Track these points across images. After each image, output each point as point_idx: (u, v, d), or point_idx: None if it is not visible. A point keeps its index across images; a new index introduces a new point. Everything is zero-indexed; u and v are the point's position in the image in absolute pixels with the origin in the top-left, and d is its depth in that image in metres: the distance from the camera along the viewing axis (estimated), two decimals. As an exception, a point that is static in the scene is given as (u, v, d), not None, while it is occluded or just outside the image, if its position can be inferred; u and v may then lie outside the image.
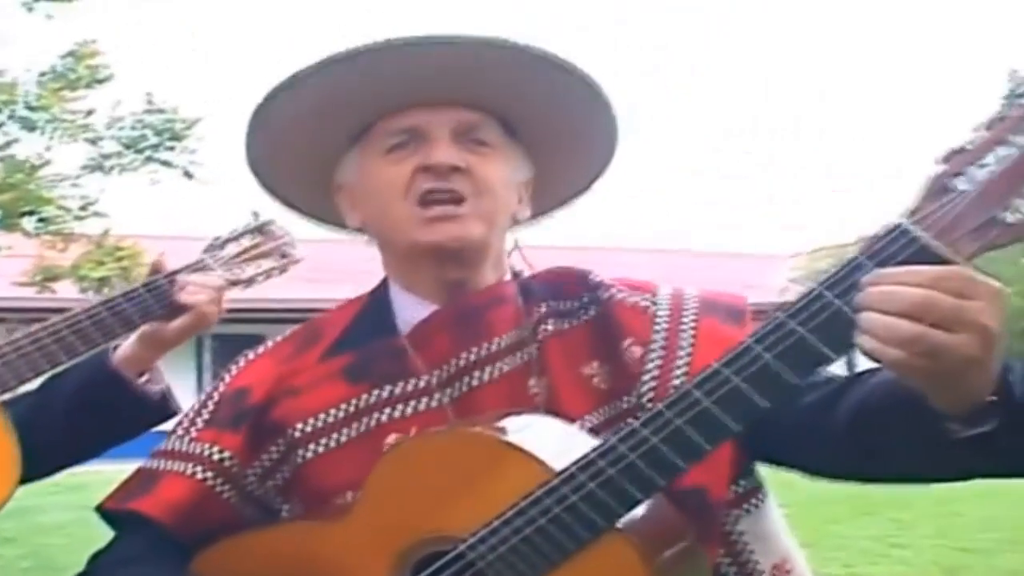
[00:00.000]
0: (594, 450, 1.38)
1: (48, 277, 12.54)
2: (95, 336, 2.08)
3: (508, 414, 1.56)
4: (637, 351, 1.65)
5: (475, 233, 1.66)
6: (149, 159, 12.56)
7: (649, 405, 1.56)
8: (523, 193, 1.79)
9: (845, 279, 1.27)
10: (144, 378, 2.14)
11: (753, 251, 29.59)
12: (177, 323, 2.13)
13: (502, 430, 1.50)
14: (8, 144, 12.15)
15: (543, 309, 1.72)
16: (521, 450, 1.44)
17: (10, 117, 12.00)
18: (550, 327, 1.70)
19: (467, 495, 1.46)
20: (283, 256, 2.35)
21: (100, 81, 12.34)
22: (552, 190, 1.88)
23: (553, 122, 1.78)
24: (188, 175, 12.68)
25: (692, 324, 1.67)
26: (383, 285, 1.80)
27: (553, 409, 1.61)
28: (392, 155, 1.70)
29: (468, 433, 1.54)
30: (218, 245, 2.29)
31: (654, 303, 1.71)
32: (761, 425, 1.34)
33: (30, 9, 12.06)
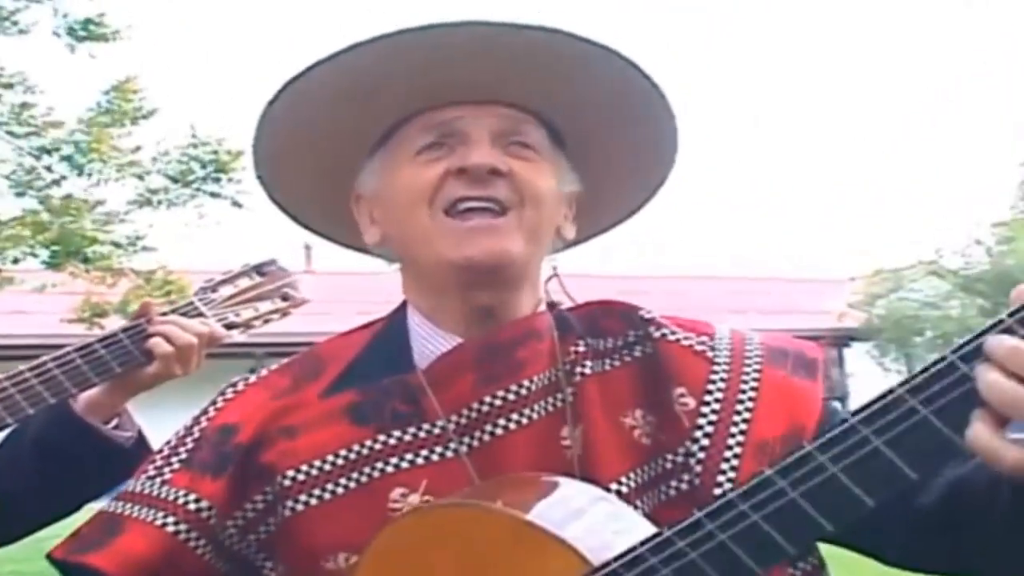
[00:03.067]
0: (645, 543, 1.16)
1: (97, 313, 12.50)
2: (66, 385, 1.92)
3: (540, 481, 1.35)
4: (690, 403, 1.42)
5: (516, 249, 1.45)
6: (196, 192, 12.47)
7: (698, 467, 1.36)
8: (570, 209, 1.58)
9: (933, 382, 1.06)
10: (112, 423, 1.98)
11: (810, 276, 29.25)
12: (149, 370, 1.99)
13: (531, 507, 1.26)
14: (56, 183, 12.12)
15: (580, 347, 1.49)
16: (554, 537, 1.19)
17: (57, 156, 11.96)
18: (588, 369, 1.47)
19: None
20: (284, 299, 2.19)
21: (144, 116, 12.29)
22: (601, 209, 1.66)
23: (610, 130, 1.58)
24: (236, 204, 12.60)
25: (755, 375, 1.44)
26: (401, 310, 1.57)
27: (587, 464, 1.40)
28: (421, 157, 1.49)
29: (491, 510, 1.27)
30: (210, 287, 2.14)
31: (712, 347, 1.47)
32: None
33: (73, 50, 12.07)
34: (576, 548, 1.17)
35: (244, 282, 2.17)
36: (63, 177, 12.12)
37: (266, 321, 2.18)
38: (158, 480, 1.50)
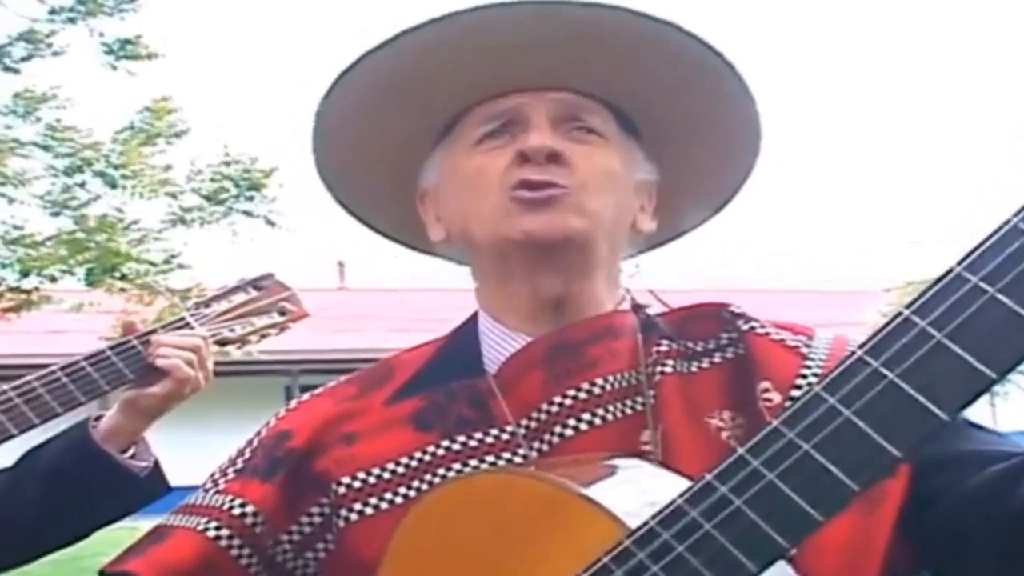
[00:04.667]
0: (683, 495, 1.03)
1: (133, 332, 12.54)
2: (51, 405, 1.88)
3: (597, 457, 1.27)
4: (775, 398, 1.30)
5: (577, 224, 1.36)
6: (230, 210, 12.51)
7: None
8: (647, 199, 1.49)
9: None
10: (130, 452, 1.94)
11: (843, 287, 29.05)
12: (155, 389, 1.94)
13: (571, 474, 1.18)
14: (91, 202, 12.19)
15: (663, 347, 1.38)
16: (588, 500, 1.10)
17: (91, 174, 12.04)
18: (668, 368, 1.36)
19: (513, 558, 1.13)
20: (282, 313, 2.14)
21: (178, 135, 12.36)
22: (682, 203, 1.55)
23: (681, 114, 1.49)
24: (270, 223, 12.62)
25: None
26: (472, 318, 1.50)
27: (669, 468, 1.26)
28: (483, 146, 1.43)
29: (520, 477, 1.22)
30: (203, 302, 2.11)
31: (807, 345, 1.36)
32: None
33: (113, 68, 12.14)
34: (611, 511, 1.09)
35: (239, 297, 2.13)
36: (98, 196, 12.18)
37: (263, 336, 2.14)
38: (212, 490, 1.45)
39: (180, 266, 12.34)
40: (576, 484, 1.13)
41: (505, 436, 1.35)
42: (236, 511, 1.40)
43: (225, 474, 1.46)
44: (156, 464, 1.98)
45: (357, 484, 1.36)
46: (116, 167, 11.97)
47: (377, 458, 1.37)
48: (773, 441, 1.00)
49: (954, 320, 0.95)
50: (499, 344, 1.43)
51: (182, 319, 2.06)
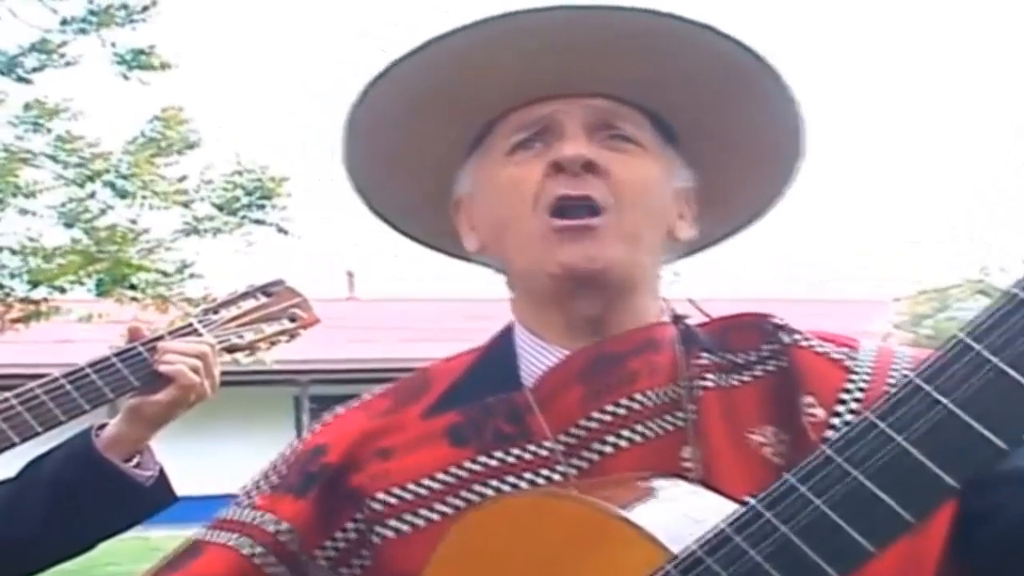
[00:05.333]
0: (728, 521, 1.01)
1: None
2: (54, 413, 1.85)
3: (637, 477, 1.23)
4: (819, 413, 1.25)
5: (615, 254, 1.32)
6: (242, 220, 12.52)
7: None
8: (684, 206, 1.44)
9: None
10: (134, 461, 1.91)
11: (853, 296, 28.98)
12: (160, 397, 1.90)
13: (612, 496, 1.14)
14: (102, 212, 12.20)
15: (703, 360, 1.33)
16: (629, 523, 1.07)
17: (102, 185, 12.06)
18: (709, 383, 1.31)
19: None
20: (292, 320, 2.10)
21: (190, 146, 12.36)
22: (722, 209, 1.50)
23: (719, 118, 1.44)
24: (282, 231, 12.63)
25: None
26: (508, 328, 1.45)
27: (709, 487, 1.22)
28: (515, 155, 1.38)
29: (560, 499, 1.18)
30: (212, 308, 2.08)
31: (851, 357, 1.31)
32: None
33: (126, 77, 12.16)
34: (653, 535, 1.05)
35: (248, 303, 2.09)
36: (109, 207, 12.19)
37: (273, 343, 2.11)
38: (246, 504, 1.41)
39: (192, 276, 12.35)
40: (616, 506, 1.09)
41: (543, 452, 1.31)
42: (270, 527, 1.37)
43: (259, 488, 1.43)
44: (162, 473, 1.94)
45: (393, 500, 1.34)
46: (127, 177, 11.99)
47: (413, 474, 1.34)
48: (823, 467, 0.97)
49: (1013, 344, 0.92)
50: (536, 357, 1.39)
51: (190, 325, 2.03)
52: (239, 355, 2.07)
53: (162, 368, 1.91)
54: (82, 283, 11.85)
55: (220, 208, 12.45)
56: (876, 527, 0.93)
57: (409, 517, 1.32)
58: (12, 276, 11.91)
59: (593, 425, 1.30)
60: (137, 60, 12.08)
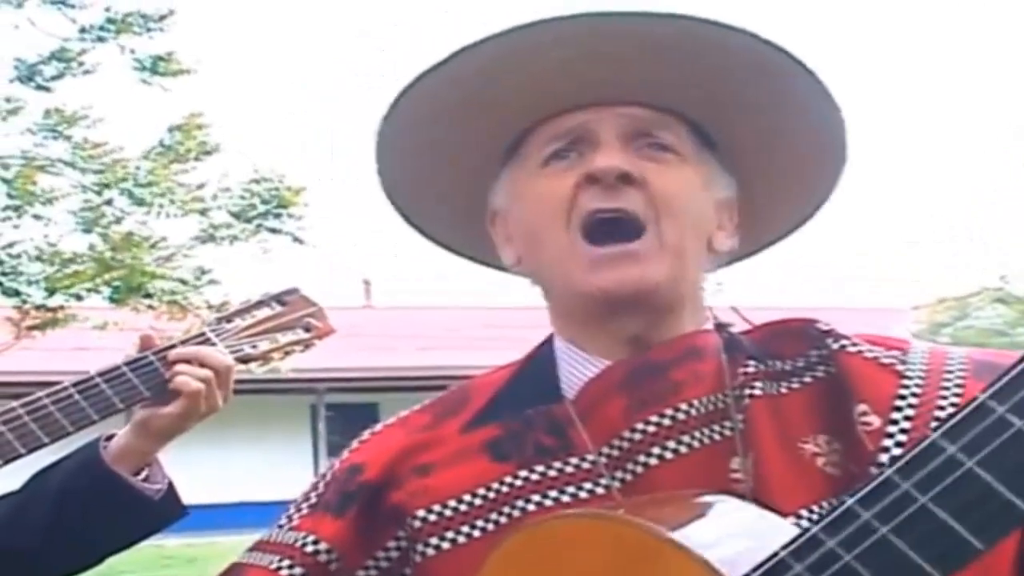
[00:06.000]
0: (786, 547, 0.96)
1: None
2: (61, 423, 1.81)
3: (688, 495, 1.18)
4: (874, 422, 1.20)
5: (658, 276, 1.28)
6: (259, 228, 12.53)
7: None
8: (725, 216, 1.40)
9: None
10: (143, 474, 1.87)
11: (871, 304, 28.91)
12: (170, 409, 1.85)
13: (661, 516, 1.10)
14: (118, 220, 12.23)
15: (750, 368, 1.29)
16: (680, 546, 1.02)
17: (119, 192, 12.07)
18: (757, 391, 1.27)
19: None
20: (307, 329, 2.06)
21: (207, 153, 12.39)
22: (761, 218, 1.47)
23: (758, 125, 1.40)
24: (298, 241, 12.65)
25: (957, 390, 1.20)
26: (548, 340, 1.42)
27: (761, 499, 1.18)
28: (549, 167, 1.34)
29: (608, 521, 1.12)
30: (225, 317, 2.03)
31: (903, 361, 1.26)
32: None
33: (146, 83, 12.21)
34: (706, 559, 1.01)
35: (262, 312, 2.05)
36: (126, 213, 12.22)
37: (287, 353, 2.07)
38: (286, 527, 1.39)
39: (211, 282, 12.37)
40: (666, 527, 1.05)
41: (586, 465, 1.27)
42: (309, 548, 1.35)
43: (299, 509, 1.40)
44: (170, 486, 1.90)
45: (433, 517, 1.31)
46: (144, 185, 12.01)
47: (453, 490, 1.31)
48: (886, 492, 0.92)
49: None
50: (577, 369, 1.35)
51: (202, 335, 1.98)
52: (252, 365, 2.04)
53: (173, 381, 1.87)
54: (98, 291, 11.88)
55: (237, 216, 12.47)
56: (945, 555, 0.89)
57: (451, 534, 1.29)
58: (29, 283, 11.94)
59: (637, 436, 1.26)
60: (156, 66, 12.14)
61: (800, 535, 0.95)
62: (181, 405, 1.86)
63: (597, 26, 1.31)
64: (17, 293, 11.92)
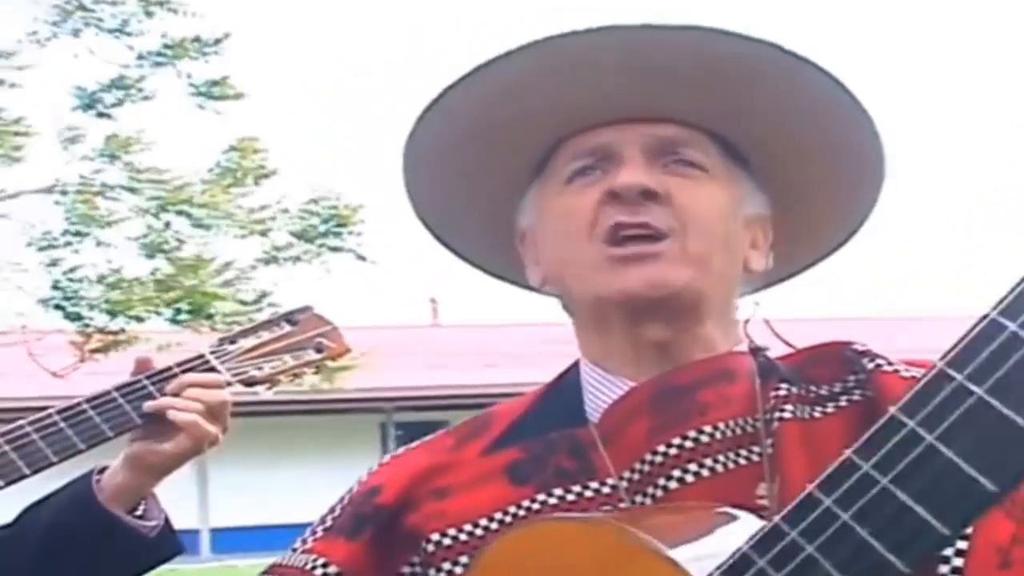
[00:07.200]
0: (749, 541, 0.94)
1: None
2: (44, 453, 1.72)
3: (697, 507, 1.16)
4: None
5: (678, 278, 1.25)
6: (321, 248, 12.61)
7: None
8: (759, 234, 1.36)
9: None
10: (139, 509, 1.77)
11: (938, 314, 28.51)
12: (167, 447, 1.74)
13: (656, 524, 1.10)
14: (180, 242, 12.37)
15: (782, 391, 1.24)
16: (654, 550, 1.01)
17: (177, 214, 12.20)
18: (787, 414, 1.22)
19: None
20: (319, 350, 1.95)
21: (266, 176, 12.53)
22: (799, 239, 1.43)
23: (791, 142, 1.35)
24: (361, 257, 12.76)
25: None
26: (575, 364, 1.38)
27: None
28: (573, 185, 1.31)
29: (593, 523, 1.13)
30: (228, 338, 1.92)
31: None
32: None
33: (201, 108, 12.39)
34: (674, 559, 1.00)
35: (270, 333, 1.96)
36: (188, 238, 12.37)
37: (296, 375, 1.97)
38: (299, 550, 1.36)
39: (272, 305, 12.45)
40: (656, 534, 1.03)
41: (606, 490, 1.24)
42: (319, 571, 1.31)
43: (315, 532, 1.37)
44: (166, 522, 1.79)
45: (447, 541, 1.27)
46: (202, 207, 12.14)
47: (469, 514, 1.27)
48: (847, 476, 0.89)
49: None
50: (601, 391, 1.32)
51: (201, 357, 1.87)
52: (259, 388, 1.93)
53: (171, 415, 1.75)
54: (159, 313, 12.02)
55: (298, 236, 12.57)
56: (907, 542, 0.85)
57: (464, 559, 1.25)
58: (91, 307, 12.10)
59: (658, 459, 1.23)
60: (212, 91, 12.33)
61: (762, 528, 0.93)
62: (180, 444, 1.76)
63: (620, 41, 1.29)
64: (79, 317, 12.11)
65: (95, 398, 1.78)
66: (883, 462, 0.87)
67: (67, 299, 12.05)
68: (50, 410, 1.77)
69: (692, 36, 1.28)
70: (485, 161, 1.40)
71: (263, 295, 12.41)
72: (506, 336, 25.22)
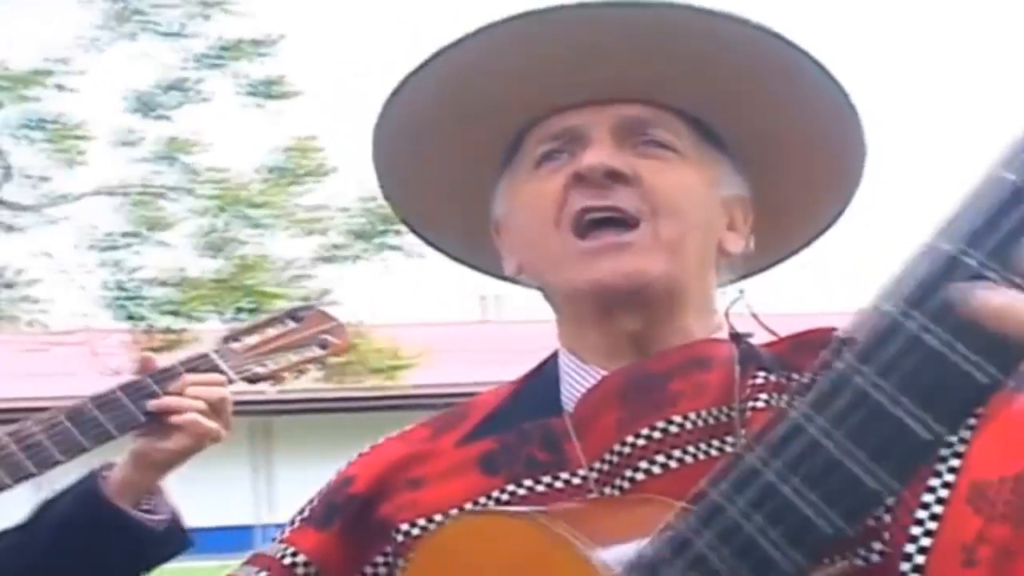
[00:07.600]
0: (660, 532, 0.95)
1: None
2: (53, 453, 1.75)
3: (654, 502, 1.11)
4: None
5: (652, 268, 1.22)
6: (380, 246, 12.63)
7: (887, 517, 1.06)
8: (736, 215, 1.32)
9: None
10: (147, 504, 1.80)
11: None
12: (169, 444, 1.78)
13: (591, 517, 1.11)
14: (239, 242, 12.43)
15: (759, 380, 1.20)
16: (569, 545, 1.02)
17: (236, 214, 12.27)
18: (760, 403, 1.18)
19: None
20: (323, 346, 1.98)
21: (324, 174, 12.55)
22: (780, 225, 1.39)
23: (764, 122, 1.32)
24: (419, 255, 12.67)
25: None
26: (554, 355, 1.36)
27: None
28: (541, 169, 1.28)
29: (514, 517, 1.13)
30: (232, 336, 1.95)
31: None
32: None
33: (259, 107, 12.44)
34: (588, 557, 1.00)
35: (274, 330, 1.98)
36: (248, 238, 12.42)
37: (300, 372, 1.99)
38: (277, 538, 1.37)
39: (332, 303, 12.48)
40: (594, 538, 1.03)
41: (576, 480, 1.22)
42: (287, 560, 1.32)
43: (293, 522, 1.37)
44: (175, 517, 1.82)
45: (416, 531, 1.26)
46: (260, 206, 12.20)
47: (440, 504, 1.26)
48: (734, 466, 0.90)
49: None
50: (577, 380, 1.30)
51: (204, 356, 1.90)
52: (263, 385, 1.98)
53: (173, 419, 1.79)
54: (221, 312, 12.07)
55: (356, 235, 12.60)
56: (799, 535, 0.85)
57: None
58: (153, 307, 12.20)
59: (627, 450, 1.20)
60: (270, 90, 12.36)
61: (664, 526, 0.94)
62: (182, 441, 1.79)
63: (582, 18, 1.24)
64: (142, 317, 12.20)
65: (100, 397, 1.80)
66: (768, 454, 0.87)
67: (130, 299, 12.14)
68: (55, 410, 1.79)
69: (659, 13, 1.24)
70: (458, 149, 1.37)
71: (324, 292, 12.36)
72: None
